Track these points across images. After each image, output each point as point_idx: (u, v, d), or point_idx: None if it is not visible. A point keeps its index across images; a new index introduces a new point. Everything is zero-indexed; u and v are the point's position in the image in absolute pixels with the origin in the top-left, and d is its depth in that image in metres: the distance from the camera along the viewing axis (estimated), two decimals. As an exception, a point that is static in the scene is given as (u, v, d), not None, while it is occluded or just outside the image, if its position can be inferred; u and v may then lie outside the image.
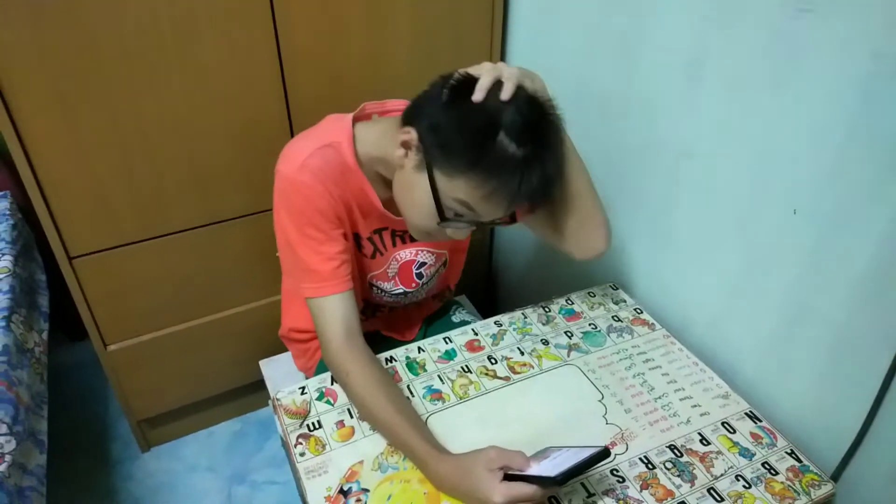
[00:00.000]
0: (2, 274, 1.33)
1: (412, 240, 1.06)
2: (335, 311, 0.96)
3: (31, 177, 1.15)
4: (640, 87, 1.12)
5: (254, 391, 1.65)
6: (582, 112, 1.28)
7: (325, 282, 0.96)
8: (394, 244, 1.07)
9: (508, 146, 0.79)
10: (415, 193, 0.88)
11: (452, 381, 1.02)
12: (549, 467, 0.77)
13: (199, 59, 1.19)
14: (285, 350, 1.31)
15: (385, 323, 1.21)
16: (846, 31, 0.77)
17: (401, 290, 1.12)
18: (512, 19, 1.45)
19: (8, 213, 1.51)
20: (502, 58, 1.50)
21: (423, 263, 1.11)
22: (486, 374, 1.03)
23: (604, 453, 0.76)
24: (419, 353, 1.08)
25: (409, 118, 0.88)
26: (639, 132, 1.16)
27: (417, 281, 1.12)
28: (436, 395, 1.00)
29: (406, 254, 1.08)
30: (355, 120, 0.98)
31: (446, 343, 1.10)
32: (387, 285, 1.10)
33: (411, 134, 0.86)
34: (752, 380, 1.04)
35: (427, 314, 1.29)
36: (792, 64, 0.85)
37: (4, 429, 1.06)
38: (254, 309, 1.51)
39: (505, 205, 0.84)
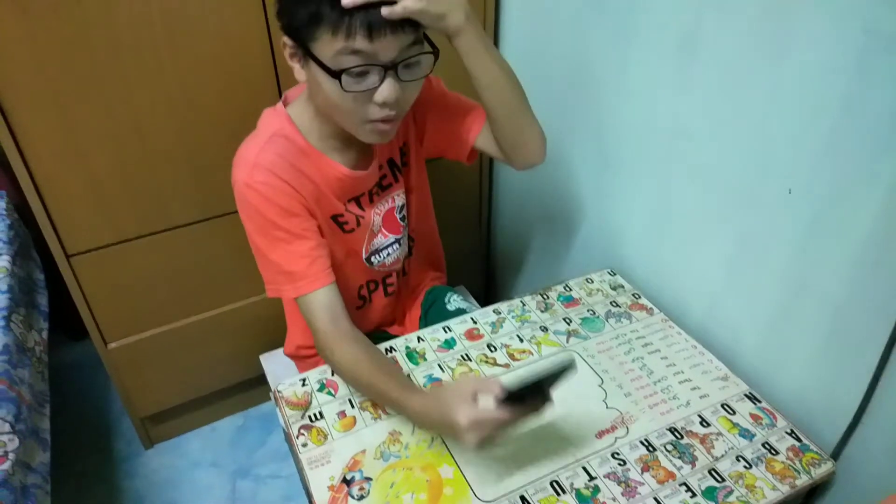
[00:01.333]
0: (0, 274, 1.33)
1: (383, 190, 1.06)
2: (318, 305, 0.95)
3: (26, 175, 1.15)
4: (634, 67, 1.12)
5: (255, 386, 1.65)
6: (577, 94, 1.29)
7: (302, 280, 0.95)
8: (371, 201, 1.05)
9: None
10: (323, 88, 0.85)
11: (452, 369, 1.02)
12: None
13: (192, 51, 1.18)
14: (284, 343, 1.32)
15: (382, 313, 1.21)
16: (838, 7, 0.77)
17: (391, 239, 1.10)
18: (504, 4, 1.45)
19: (4, 213, 1.51)
20: (495, 36, 1.50)
21: (403, 205, 1.11)
22: (486, 362, 1.03)
23: (568, 365, 0.75)
24: (419, 342, 1.08)
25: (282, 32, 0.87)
26: (634, 113, 1.15)
27: (402, 223, 1.11)
28: (436, 383, 1.00)
29: (383, 205, 1.07)
30: (286, 105, 0.99)
31: (445, 332, 1.10)
32: (377, 241, 1.09)
33: (284, 39, 0.86)
34: (751, 361, 1.05)
35: (419, 286, 1.29)
36: (785, 41, 0.85)
37: (7, 427, 1.06)
38: (254, 303, 1.51)
39: (363, 18, 0.78)
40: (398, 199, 1.09)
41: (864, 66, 0.76)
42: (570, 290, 1.19)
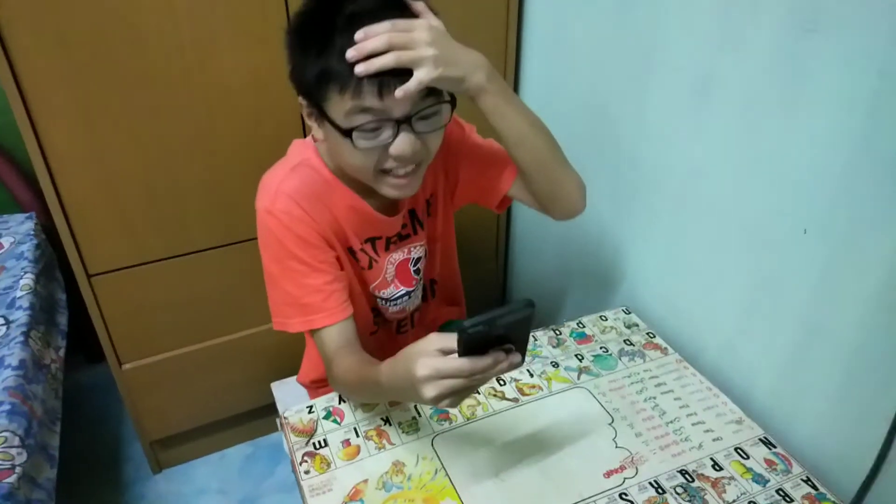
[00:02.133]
0: (23, 291, 1.36)
1: (401, 239, 1.04)
2: (333, 339, 0.93)
3: (54, 196, 1.19)
4: (650, 108, 1.13)
5: (266, 414, 1.64)
6: (595, 133, 1.30)
7: (316, 314, 0.93)
8: (386, 249, 1.03)
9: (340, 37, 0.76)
10: (338, 146, 0.83)
11: (460, 401, 1.01)
12: None
13: (221, 82, 1.23)
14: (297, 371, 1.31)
15: (393, 345, 1.20)
16: (852, 50, 0.78)
17: (403, 291, 1.09)
18: (525, 41, 1.48)
19: (32, 233, 1.55)
20: (515, 79, 1.52)
21: (419, 258, 1.08)
22: (495, 396, 1.02)
23: (527, 304, 0.66)
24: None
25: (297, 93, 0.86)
26: (650, 153, 1.16)
27: (416, 277, 1.09)
28: (443, 415, 0.99)
29: (399, 255, 1.06)
30: (315, 140, 0.97)
31: (455, 364, 1.09)
32: (387, 292, 1.08)
33: (300, 101, 0.85)
34: (767, 404, 1.02)
35: (435, 320, 1.26)
36: (799, 83, 0.85)
37: (17, 441, 1.07)
38: (268, 330, 1.49)
39: (373, 78, 0.75)
40: (415, 251, 1.07)
41: (878, 108, 0.76)
42: (584, 326, 1.17)
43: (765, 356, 1.02)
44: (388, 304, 1.10)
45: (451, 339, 0.68)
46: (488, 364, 0.67)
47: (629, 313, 1.21)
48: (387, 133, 0.80)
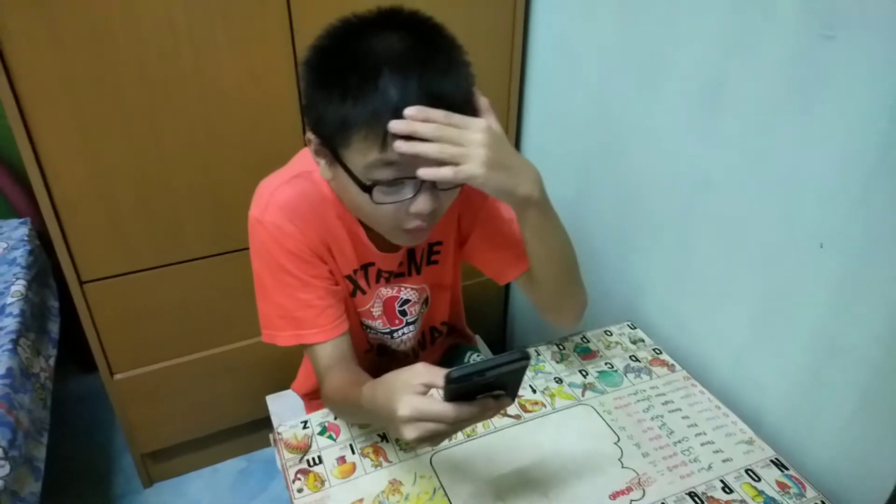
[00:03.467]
0: (14, 298, 1.33)
1: (396, 277, 1.00)
2: (325, 356, 0.91)
3: (47, 201, 1.16)
4: (657, 117, 1.11)
5: (260, 428, 1.61)
6: (599, 142, 1.28)
7: (308, 329, 0.90)
8: (377, 280, 0.99)
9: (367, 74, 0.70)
10: (351, 194, 0.78)
11: (460, 417, 0.97)
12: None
13: (219, 87, 1.20)
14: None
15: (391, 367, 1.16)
16: (872, 57, 0.75)
17: (387, 330, 1.05)
18: (530, 49, 1.46)
19: (26, 238, 1.52)
20: (520, 88, 1.50)
21: (407, 300, 1.03)
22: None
23: (523, 356, 0.62)
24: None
25: (308, 126, 0.81)
26: (656, 163, 1.13)
27: (401, 318, 1.05)
28: (442, 431, 0.95)
29: (388, 290, 1.02)
30: None
31: (456, 379, 1.06)
32: (373, 324, 1.04)
33: (308, 136, 0.79)
34: (779, 424, 0.98)
35: (433, 361, 1.24)
36: (816, 90, 0.82)
37: (0, 453, 1.04)
38: (263, 342, 1.48)
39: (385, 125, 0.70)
40: (405, 292, 1.03)
41: (899, 116, 0.73)
42: (588, 341, 1.14)
43: (777, 374, 0.98)
44: (372, 333, 1.06)
45: (438, 375, 0.64)
46: (474, 413, 0.64)
47: (634, 328, 1.18)
48: (408, 190, 0.76)
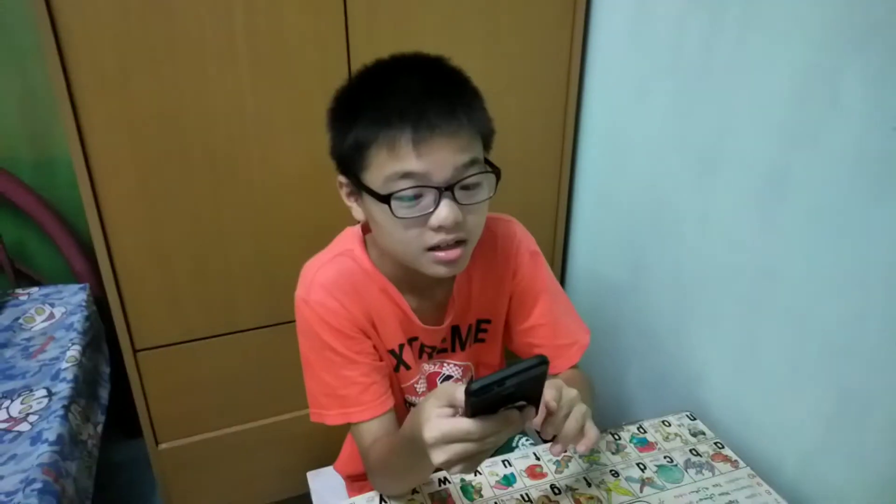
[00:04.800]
0: (68, 363, 1.35)
1: (440, 352, 1.00)
2: (371, 434, 0.90)
3: (108, 267, 1.20)
4: (716, 204, 1.09)
5: (299, 505, 1.57)
6: (654, 224, 1.26)
7: (354, 406, 0.89)
8: (420, 356, 0.98)
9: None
10: (377, 219, 0.80)
11: (511, 509, 0.93)
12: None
13: (280, 168, 1.25)
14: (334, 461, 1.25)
15: None
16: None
17: None
18: (583, 129, 1.47)
19: (84, 304, 1.56)
20: (572, 168, 1.50)
21: (449, 377, 1.02)
22: (549, 505, 0.94)
23: (540, 362, 0.60)
24: (475, 475, 1.00)
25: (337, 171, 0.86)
26: (716, 248, 1.11)
27: None
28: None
29: (431, 367, 1.01)
30: (365, 231, 0.94)
31: (505, 466, 1.02)
32: (417, 400, 1.02)
33: (339, 180, 0.84)
34: (856, 534, 0.91)
35: None
36: (886, 182, 0.80)
37: (44, 524, 1.03)
38: (307, 415, 1.47)
39: (408, 133, 0.73)
40: (447, 368, 1.02)
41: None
42: (645, 432, 1.09)
43: (853, 476, 0.92)
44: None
45: (459, 389, 0.63)
46: (498, 425, 0.63)
47: (694, 419, 1.12)
48: (427, 201, 0.76)
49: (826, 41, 0.87)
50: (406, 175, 0.74)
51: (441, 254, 0.79)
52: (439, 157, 0.74)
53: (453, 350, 1.01)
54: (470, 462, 0.65)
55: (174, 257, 1.24)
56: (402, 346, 0.96)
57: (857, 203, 0.85)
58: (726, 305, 1.10)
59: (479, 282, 0.97)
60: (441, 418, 0.63)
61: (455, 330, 0.99)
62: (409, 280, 0.91)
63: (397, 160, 0.74)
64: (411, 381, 1.00)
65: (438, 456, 0.63)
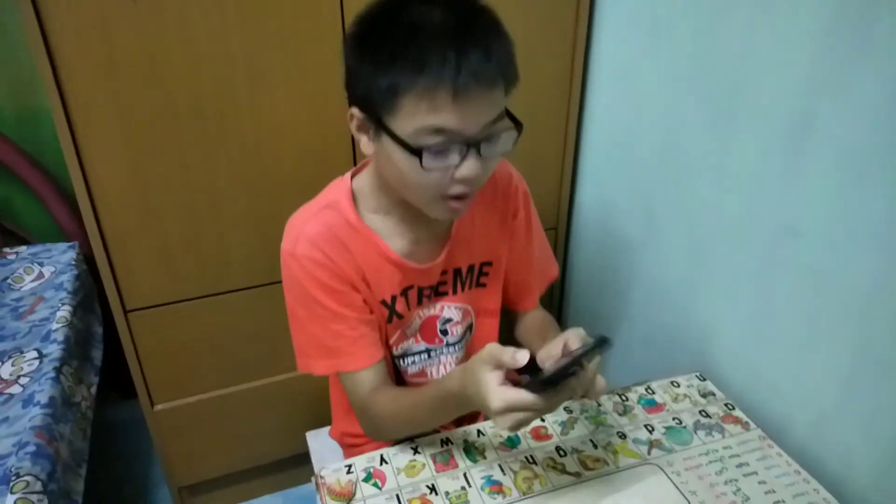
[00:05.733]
0: (59, 324, 1.32)
1: (437, 295, 0.99)
2: (361, 383, 0.92)
3: (94, 226, 1.15)
4: (735, 154, 1.04)
5: (298, 464, 1.56)
6: (669, 176, 1.21)
7: (342, 357, 0.91)
8: (419, 302, 0.97)
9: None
10: (395, 162, 0.78)
11: (515, 472, 0.91)
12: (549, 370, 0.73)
13: (273, 119, 1.19)
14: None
15: None
16: None
17: (422, 348, 1.02)
18: (591, 77, 1.40)
19: (73, 263, 1.52)
20: (579, 117, 1.44)
21: (449, 319, 1.01)
22: (554, 468, 0.91)
23: (603, 342, 0.71)
24: (478, 436, 0.97)
25: (349, 103, 0.82)
26: (733, 203, 1.06)
27: (441, 337, 1.02)
28: (496, 486, 0.88)
29: (429, 310, 1.00)
30: (354, 175, 0.93)
31: (509, 428, 0.99)
32: (404, 345, 1.01)
33: (351, 111, 0.80)
34: (867, 494, 0.89)
35: None
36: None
37: (39, 486, 1.01)
38: (306, 376, 1.42)
39: (449, 87, 0.70)
40: (447, 311, 1.01)
41: None
42: (653, 392, 1.06)
43: (867, 438, 0.89)
44: (405, 362, 1.02)
45: (506, 354, 0.71)
46: (559, 398, 0.72)
47: (704, 380, 1.09)
48: (454, 155, 0.76)
49: (859, -23, 0.80)
50: (439, 130, 0.73)
51: (453, 203, 0.81)
52: (475, 112, 0.74)
53: (454, 292, 1.00)
54: (527, 424, 0.72)
55: (163, 214, 1.19)
56: (394, 298, 0.95)
57: (886, 154, 0.80)
58: (742, 261, 1.06)
59: (481, 221, 0.98)
60: (505, 389, 0.69)
61: (456, 272, 0.99)
62: (403, 223, 0.91)
63: (434, 113, 0.72)
64: (404, 328, 0.99)
65: (503, 422, 0.70)
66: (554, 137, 1.44)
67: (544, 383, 0.69)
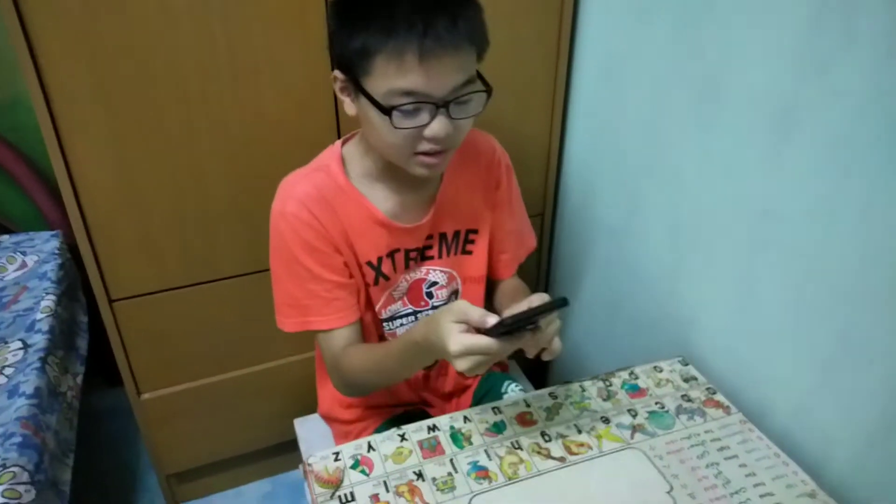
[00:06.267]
0: (43, 314, 1.31)
1: (423, 259, 1.03)
2: (334, 342, 0.96)
3: (78, 216, 1.14)
4: (718, 139, 1.04)
5: (287, 451, 1.56)
6: (651, 160, 1.22)
7: (315, 315, 0.95)
8: (406, 265, 1.01)
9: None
10: (371, 121, 0.84)
11: (501, 457, 0.92)
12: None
13: (258, 105, 1.18)
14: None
15: (411, 386, 1.14)
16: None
17: (409, 310, 1.05)
18: (577, 62, 1.40)
19: (57, 252, 1.51)
20: (565, 104, 1.45)
21: (434, 283, 1.05)
22: (539, 453, 0.93)
23: (560, 301, 0.75)
24: (465, 422, 0.98)
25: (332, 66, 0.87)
26: (716, 188, 1.07)
27: (427, 300, 1.06)
28: (481, 472, 0.90)
29: (415, 273, 1.03)
30: (345, 142, 0.98)
31: (495, 413, 1.00)
32: (392, 308, 1.04)
33: (333, 74, 0.86)
34: (845, 478, 0.91)
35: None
36: (901, 121, 0.76)
37: (26, 477, 1.01)
38: (292, 363, 1.45)
39: (415, 50, 0.75)
40: (433, 274, 1.05)
41: None
42: (636, 377, 1.08)
43: (846, 422, 0.91)
44: (392, 326, 1.05)
45: (473, 312, 0.76)
46: (514, 345, 0.77)
47: (686, 365, 1.11)
48: (424, 115, 0.81)
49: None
50: (408, 93, 0.78)
51: (426, 158, 0.86)
52: (441, 75, 0.78)
53: (439, 256, 1.04)
54: (484, 367, 0.76)
55: (147, 202, 1.18)
56: (380, 259, 0.98)
57: (868, 141, 0.81)
58: (724, 246, 1.07)
59: (466, 189, 1.02)
60: (463, 334, 0.74)
61: (442, 237, 1.03)
62: (390, 185, 0.96)
63: (402, 75, 0.77)
64: (387, 291, 1.02)
65: (461, 364, 0.75)
66: (540, 125, 1.44)
67: (501, 330, 0.74)
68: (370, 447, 0.93)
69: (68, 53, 1.03)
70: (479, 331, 0.76)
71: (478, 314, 0.75)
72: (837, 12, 0.82)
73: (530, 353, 0.81)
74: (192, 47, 1.09)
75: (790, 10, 0.88)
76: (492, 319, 0.74)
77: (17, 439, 1.03)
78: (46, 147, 1.07)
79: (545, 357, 0.84)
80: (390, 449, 0.93)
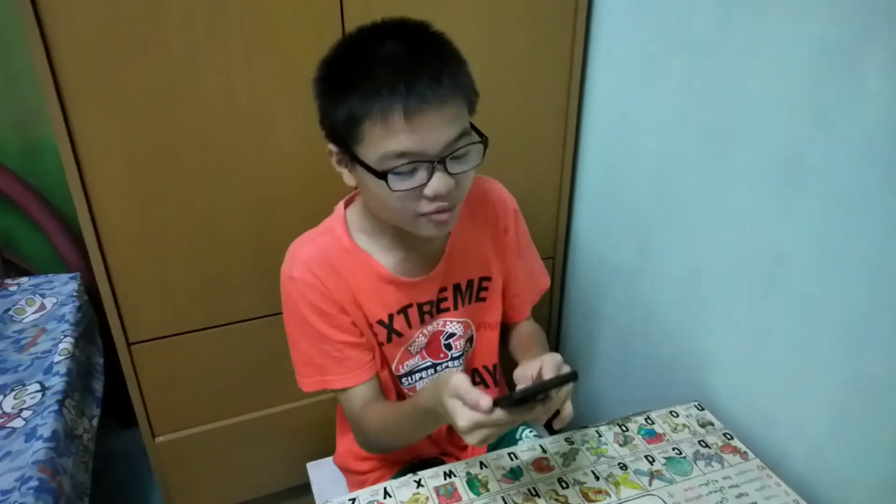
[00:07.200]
0: (61, 356, 1.32)
1: (439, 312, 1.02)
2: (352, 400, 0.96)
3: (99, 259, 1.16)
4: (728, 185, 1.06)
5: (300, 495, 1.55)
6: (663, 205, 1.23)
7: (329, 375, 0.95)
8: (421, 320, 1.00)
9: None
10: (370, 188, 0.83)
11: (518, 504, 0.91)
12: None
13: (274, 151, 1.20)
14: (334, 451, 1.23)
15: (428, 440, 1.13)
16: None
17: (428, 363, 1.04)
18: (586, 106, 1.43)
19: (75, 294, 1.53)
20: (575, 148, 1.47)
21: (452, 334, 1.04)
22: (557, 500, 0.92)
23: (571, 376, 0.75)
24: (481, 468, 0.98)
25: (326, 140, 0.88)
26: (727, 233, 1.08)
27: (446, 352, 1.05)
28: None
29: (432, 327, 1.02)
30: (348, 204, 0.99)
31: (511, 459, 1.00)
32: (410, 363, 1.03)
33: (329, 148, 0.86)
34: (866, 525, 0.90)
35: None
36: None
37: (41, 522, 1.01)
38: (306, 406, 1.45)
39: (399, 110, 0.75)
40: (450, 326, 1.04)
41: None
42: (653, 422, 1.07)
43: (863, 469, 0.90)
44: (411, 381, 1.04)
45: (469, 393, 0.74)
46: (523, 416, 0.76)
47: (702, 409, 1.10)
48: (421, 174, 0.80)
49: (848, 17, 0.83)
50: (401, 154, 0.77)
51: (434, 216, 0.84)
52: (431, 132, 0.77)
53: (455, 308, 1.03)
54: (495, 437, 0.75)
55: (167, 246, 1.20)
56: (391, 317, 0.97)
57: (875, 189, 0.82)
58: (737, 291, 1.08)
59: (475, 237, 1.02)
60: (472, 411, 0.72)
61: (456, 288, 1.02)
62: (395, 241, 0.95)
63: (391, 136, 0.76)
64: (406, 346, 1.01)
65: (471, 439, 0.74)
66: (551, 168, 1.46)
67: (511, 403, 0.73)
68: (386, 493, 0.93)
69: (95, 102, 1.06)
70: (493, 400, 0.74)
71: (471, 397, 0.72)
72: (841, 64, 0.84)
73: (541, 421, 0.80)
74: (214, 97, 1.12)
75: (793, 64, 0.91)
76: (485, 402, 0.72)
77: (35, 483, 1.04)
78: (70, 190, 1.10)
79: (556, 425, 0.82)
80: (406, 495, 0.93)
